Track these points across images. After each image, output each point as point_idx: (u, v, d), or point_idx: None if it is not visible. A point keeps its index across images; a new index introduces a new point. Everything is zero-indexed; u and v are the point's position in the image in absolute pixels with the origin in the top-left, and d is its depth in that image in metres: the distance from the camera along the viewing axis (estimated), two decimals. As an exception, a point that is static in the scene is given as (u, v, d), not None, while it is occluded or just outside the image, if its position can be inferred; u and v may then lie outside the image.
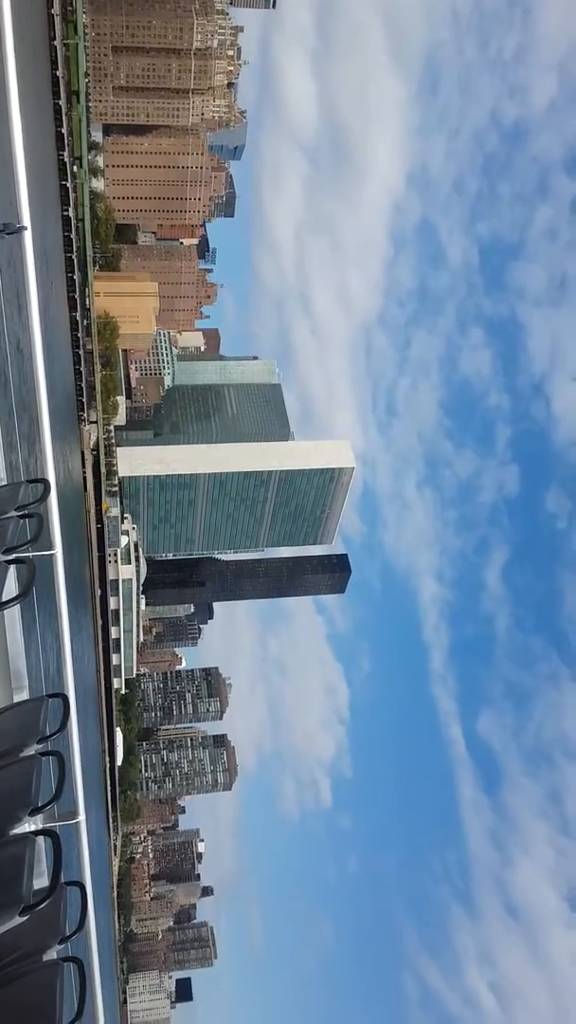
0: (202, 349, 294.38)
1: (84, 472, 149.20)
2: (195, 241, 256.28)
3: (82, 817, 11.33)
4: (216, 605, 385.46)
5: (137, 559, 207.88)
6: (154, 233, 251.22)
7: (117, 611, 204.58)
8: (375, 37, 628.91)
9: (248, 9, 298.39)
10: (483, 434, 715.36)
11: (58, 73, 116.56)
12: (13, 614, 10.55)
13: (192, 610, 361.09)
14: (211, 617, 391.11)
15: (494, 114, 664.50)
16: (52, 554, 10.97)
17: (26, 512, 10.06)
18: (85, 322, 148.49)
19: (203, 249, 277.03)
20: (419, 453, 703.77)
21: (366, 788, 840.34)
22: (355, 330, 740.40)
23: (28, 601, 9.99)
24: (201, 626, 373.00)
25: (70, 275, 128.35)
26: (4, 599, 9.24)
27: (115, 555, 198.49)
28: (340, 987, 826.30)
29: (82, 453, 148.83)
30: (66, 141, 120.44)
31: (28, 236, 11.28)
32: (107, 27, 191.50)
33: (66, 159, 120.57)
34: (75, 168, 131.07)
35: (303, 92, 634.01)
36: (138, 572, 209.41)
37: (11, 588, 9.62)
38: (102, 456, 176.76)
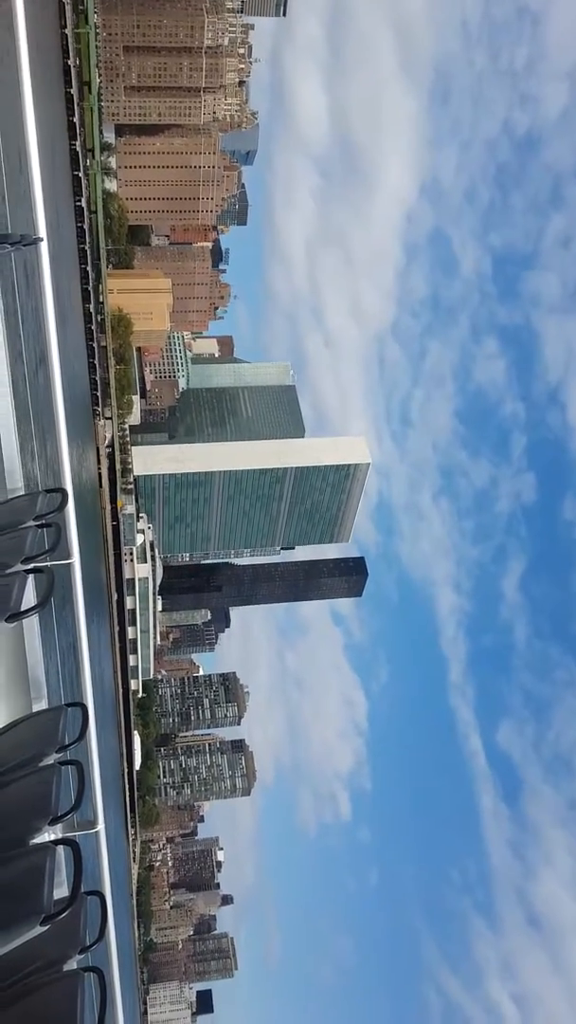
0: (216, 356, 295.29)
1: (99, 468, 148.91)
2: (208, 244, 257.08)
3: (101, 826, 11.31)
4: (233, 614, 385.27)
5: (153, 558, 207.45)
6: (167, 236, 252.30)
7: (134, 611, 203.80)
8: (385, 49, 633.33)
9: (258, 17, 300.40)
10: (499, 443, 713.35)
11: (69, 62, 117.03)
12: (32, 623, 10.61)
13: (209, 617, 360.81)
14: (228, 625, 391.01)
15: (506, 124, 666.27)
16: (70, 563, 11.07)
17: (44, 522, 10.18)
18: (99, 317, 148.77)
19: (216, 254, 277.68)
20: (434, 463, 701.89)
21: (385, 800, 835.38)
22: (369, 341, 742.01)
23: (46, 610, 9.86)
24: (219, 634, 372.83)
25: (83, 267, 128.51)
26: (23, 609, 9.15)
27: (131, 554, 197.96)
28: (360, 1000, 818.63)
29: (97, 449, 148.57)
30: (78, 131, 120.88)
31: (44, 248, 11.32)
32: (118, 27, 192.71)
33: (78, 149, 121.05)
34: (88, 161, 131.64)
35: (314, 104, 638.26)
36: (154, 571, 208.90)
37: (30, 598, 9.60)
38: (117, 452, 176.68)
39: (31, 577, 9.57)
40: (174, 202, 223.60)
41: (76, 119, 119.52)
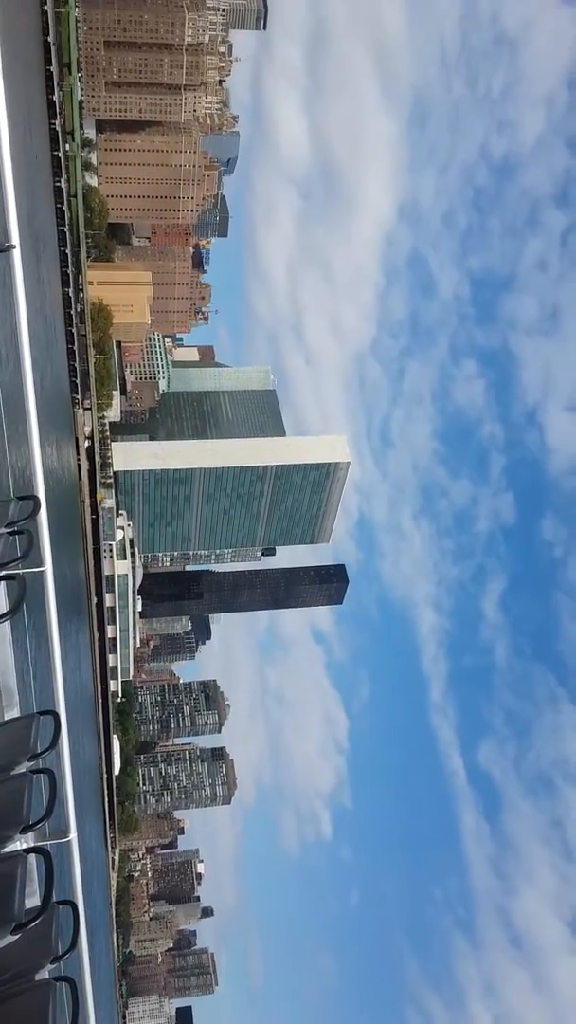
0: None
1: (78, 460, 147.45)
2: (189, 248, 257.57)
3: (74, 835, 11.22)
4: (213, 628, 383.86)
5: (133, 555, 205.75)
6: (148, 239, 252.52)
7: (113, 608, 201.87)
8: (365, 74, 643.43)
9: (239, 31, 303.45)
10: (478, 463, 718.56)
11: (49, 39, 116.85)
12: (3, 631, 10.47)
13: (190, 627, 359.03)
14: (208, 637, 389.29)
15: (483, 149, 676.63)
16: (42, 571, 10.95)
17: (16, 529, 10.09)
18: (79, 307, 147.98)
19: (196, 259, 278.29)
20: (414, 483, 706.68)
21: (366, 819, 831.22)
22: (349, 360, 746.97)
23: (18, 618, 9.85)
24: (199, 645, 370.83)
25: (63, 249, 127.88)
26: None
27: (110, 550, 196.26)
28: (343, 1019, 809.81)
29: (76, 440, 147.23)
30: (58, 110, 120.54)
31: (17, 255, 11.17)
32: (99, 22, 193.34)
33: (58, 128, 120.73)
34: (68, 145, 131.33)
35: (294, 128, 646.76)
36: (134, 569, 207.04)
37: (1, 605, 9.60)
38: (97, 444, 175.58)
39: (2, 584, 9.55)
40: (154, 200, 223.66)
41: (56, 98, 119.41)
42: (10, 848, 8.38)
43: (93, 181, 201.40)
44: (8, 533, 10.03)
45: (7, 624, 10.13)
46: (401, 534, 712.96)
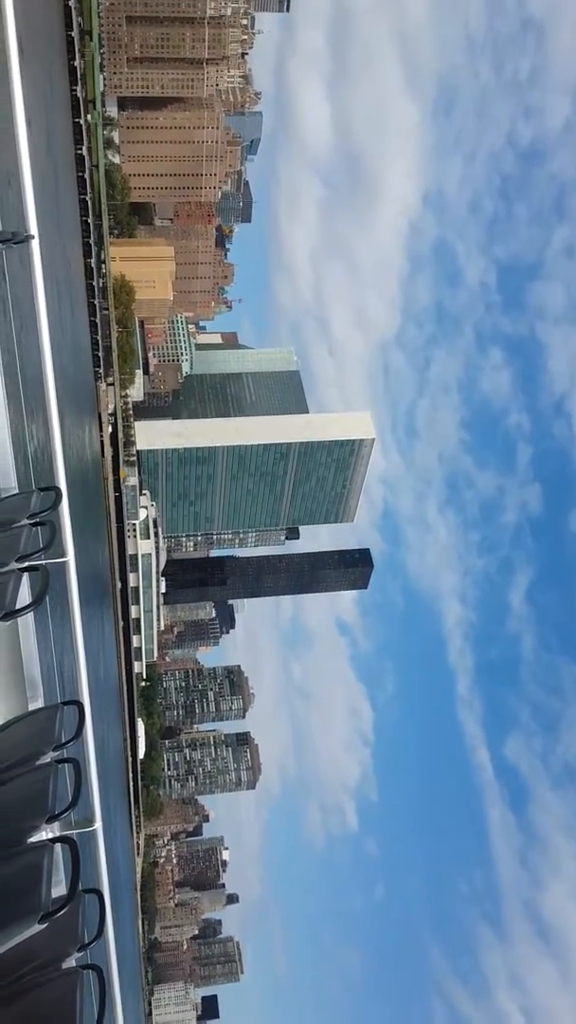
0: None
1: (101, 436, 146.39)
2: (212, 227, 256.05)
3: (99, 824, 11.34)
4: (238, 616, 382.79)
5: (157, 535, 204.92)
6: (170, 219, 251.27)
7: (137, 588, 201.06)
8: (389, 60, 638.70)
9: (262, 13, 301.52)
10: (505, 454, 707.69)
11: (70, 3, 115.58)
12: (27, 622, 10.65)
13: (214, 614, 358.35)
14: (232, 626, 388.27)
15: (510, 135, 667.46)
16: (65, 561, 11.09)
17: (38, 520, 10.25)
18: (101, 282, 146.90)
19: (220, 240, 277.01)
20: (440, 474, 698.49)
21: (392, 812, 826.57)
22: (373, 351, 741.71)
23: (42, 608, 10.09)
24: (223, 636, 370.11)
25: (84, 219, 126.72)
26: (17, 607, 9.16)
27: (134, 529, 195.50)
28: (368, 1010, 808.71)
29: (99, 415, 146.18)
30: (79, 75, 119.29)
31: (36, 245, 11.22)
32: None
33: (79, 96, 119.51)
34: (89, 115, 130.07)
35: (318, 116, 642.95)
36: (157, 549, 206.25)
37: (25, 596, 9.61)
38: (119, 420, 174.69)
39: (25, 576, 9.58)
40: (177, 178, 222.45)
41: (78, 65, 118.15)
42: (36, 838, 8.48)
43: (116, 159, 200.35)
44: (31, 524, 10.18)
45: (31, 615, 10.28)
46: (427, 526, 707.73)
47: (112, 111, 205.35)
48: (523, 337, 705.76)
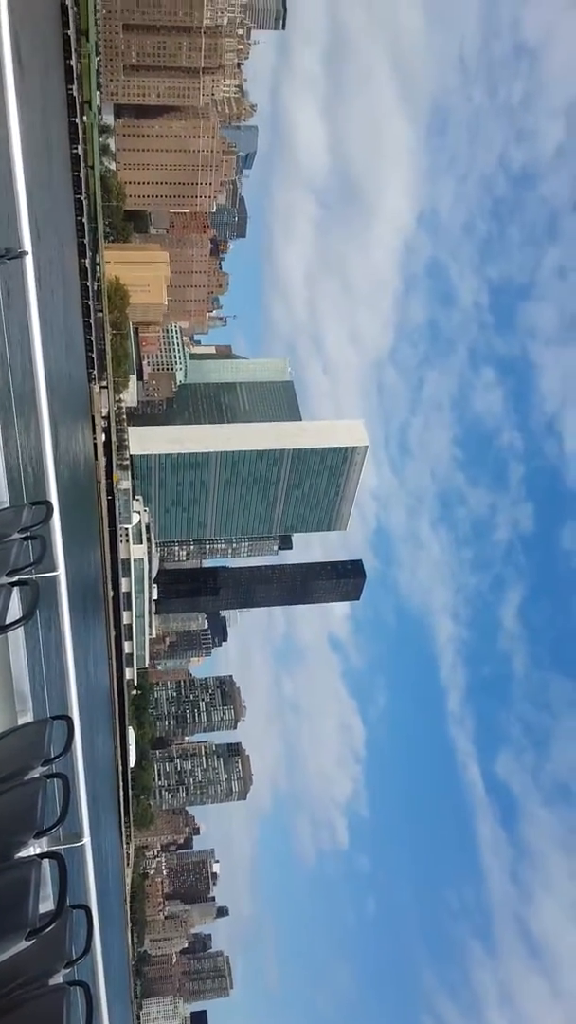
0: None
1: (94, 439, 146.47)
2: (207, 236, 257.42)
3: (87, 839, 11.32)
4: (231, 629, 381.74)
5: (149, 540, 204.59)
6: (166, 229, 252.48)
7: (129, 594, 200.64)
8: (384, 82, 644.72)
9: (258, 30, 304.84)
10: (497, 472, 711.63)
11: (67, 1, 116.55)
12: (17, 636, 10.60)
13: (206, 625, 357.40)
14: (225, 639, 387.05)
15: (502, 158, 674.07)
16: (55, 575, 11.18)
17: (29, 534, 10.29)
18: (96, 285, 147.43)
19: (215, 249, 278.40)
20: (432, 492, 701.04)
21: (383, 827, 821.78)
22: (367, 369, 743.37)
23: (32, 622, 9.89)
24: (214, 648, 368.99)
25: (79, 218, 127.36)
26: (7, 622, 9.22)
27: (126, 533, 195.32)
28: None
29: (92, 418, 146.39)
30: (75, 73, 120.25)
31: (29, 261, 11.32)
32: (118, 5, 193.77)
33: (75, 95, 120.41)
34: (85, 115, 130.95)
35: (313, 136, 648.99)
36: (150, 555, 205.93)
37: (15, 611, 9.67)
38: (112, 424, 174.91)
39: (16, 590, 9.61)
40: (172, 186, 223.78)
41: (73, 64, 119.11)
42: (24, 853, 8.47)
43: (112, 166, 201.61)
44: (22, 539, 10.16)
45: (21, 630, 10.19)
46: (419, 543, 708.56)
47: (108, 119, 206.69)
48: (515, 357, 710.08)
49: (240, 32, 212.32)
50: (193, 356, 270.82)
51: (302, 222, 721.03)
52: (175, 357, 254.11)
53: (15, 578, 9.58)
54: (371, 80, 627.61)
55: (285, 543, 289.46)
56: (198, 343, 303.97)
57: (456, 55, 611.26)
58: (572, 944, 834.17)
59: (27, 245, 11.18)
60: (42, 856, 8.34)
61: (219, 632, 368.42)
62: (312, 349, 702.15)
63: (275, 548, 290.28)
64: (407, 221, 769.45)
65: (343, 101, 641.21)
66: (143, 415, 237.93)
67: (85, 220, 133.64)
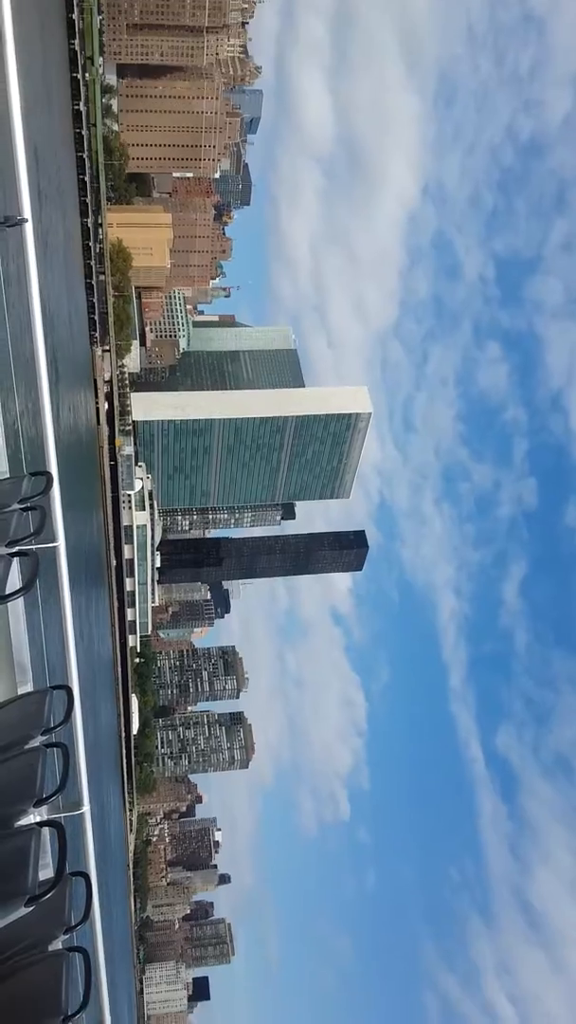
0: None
1: (97, 403, 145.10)
2: (211, 200, 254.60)
3: (87, 807, 11.44)
4: (233, 602, 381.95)
5: (152, 507, 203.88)
6: (169, 194, 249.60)
7: (131, 561, 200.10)
8: (390, 51, 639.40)
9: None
10: (501, 448, 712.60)
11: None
12: (17, 607, 10.74)
13: (208, 596, 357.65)
14: (228, 611, 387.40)
15: (510, 129, 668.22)
16: (55, 546, 11.17)
17: (29, 505, 10.30)
18: (98, 247, 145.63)
19: (218, 213, 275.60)
20: (436, 468, 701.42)
21: (384, 801, 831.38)
22: (372, 343, 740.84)
23: (32, 593, 10.01)
24: (217, 620, 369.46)
25: (81, 176, 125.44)
26: (7, 592, 9.28)
27: (129, 500, 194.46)
28: (359, 1002, 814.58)
29: (95, 381, 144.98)
30: (77, 29, 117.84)
31: (29, 229, 11.31)
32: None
33: (77, 49, 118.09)
34: (87, 71, 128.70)
35: (318, 106, 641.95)
36: (153, 522, 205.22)
37: (15, 581, 9.71)
38: (115, 388, 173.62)
39: (16, 560, 9.65)
40: (176, 148, 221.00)
41: (75, 18, 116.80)
42: (24, 822, 8.55)
43: (115, 127, 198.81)
44: (22, 509, 10.19)
45: (21, 600, 10.25)
46: (422, 519, 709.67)
47: (111, 79, 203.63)
48: (521, 331, 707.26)
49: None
50: (196, 324, 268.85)
51: (307, 192, 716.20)
52: (178, 324, 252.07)
53: (15, 549, 9.64)
54: (377, 49, 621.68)
55: (288, 513, 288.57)
56: (201, 313, 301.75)
57: (463, 24, 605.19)
58: (571, 917, 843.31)
59: (27, 212, 11.19)
60: (42, 824, 8.48)
61: (222, 603, 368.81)
62: (316, 322, 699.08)
63: (278, 518, 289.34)
64: (413, 193, 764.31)
65: (349, 70, 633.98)
66: (145, 382, 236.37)
67: (87, 179, 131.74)
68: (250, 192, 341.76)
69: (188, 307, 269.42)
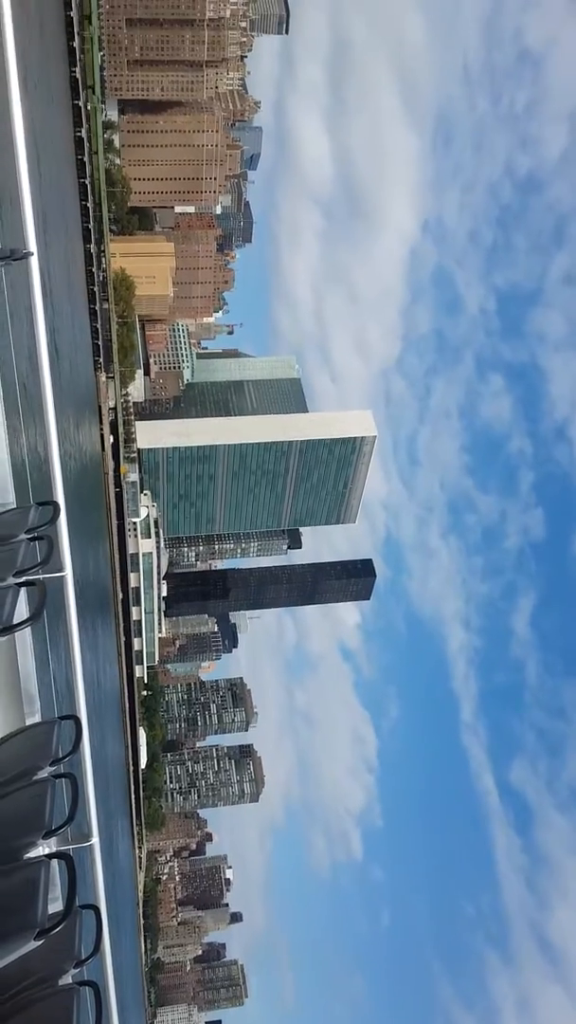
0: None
1: (101, 430, 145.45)
2: (213, 233, 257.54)
3: (96, 839, 11.34)
4: (241, 637, 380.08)
5: (158, 535, 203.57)
6: (171, 228, 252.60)
7: (138, 589, 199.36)
8: (388, 92, 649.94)
9: (263, 35, 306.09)
10: (506, 479, 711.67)
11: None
12: (25, 637, 10.71)
13: (216, 628, 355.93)
14: (236, 646, 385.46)
15: (507, 166, 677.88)
16: (63, 576, 11.17)
17: (36, 535, 10.32)
18: (101, 274, 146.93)
19: (221, 245, 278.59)
20: (442, 501, 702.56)
21: (397, 836, 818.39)
22: (374, 378, 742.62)
23: (40, 623, 10.10)
24: (224, 654, 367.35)
25: (84, 203, 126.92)
26: (15, 622, 9.24)
27: (135, 527, 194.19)
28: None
29: (99, 408, 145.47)
30: (78, 57, 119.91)
31: (35, 262, 11.33)
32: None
33: (78, 75, 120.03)
34: (88, 99, 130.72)
35: (317, 148, 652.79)
36: (159, 549, 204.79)
37: (22, 611, 9.67)
38: (119, 415, 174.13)
39: (23, 591, 9.60)
40: (177, 182, 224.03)
41: (76, 44, 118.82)
42: (33, 854, 8.47)
43: (117, 161, 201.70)
44: (29, 539, 10.21)
45: (28, 630, 10.32)
46: (429, 552, 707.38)
47: (113, 115, 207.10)
48: (524, 363, 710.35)
49: (243, 24, 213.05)
50: (200, 355, 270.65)
51: (307, 233, 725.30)
52: (182, 355, 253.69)
53: (22, 579, 9.59)
54: (374, 90, 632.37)
55: (295, 542, 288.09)
56: (205, 349, 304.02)
57: (459, 64, 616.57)
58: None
59: (33, 246, 11.17)
60: (51, 856, 8.31)
61: (229, 636, 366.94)
62: (320, 359, 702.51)
63: (284, 548, 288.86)
64: (413, 230, 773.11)
65: (347, 111, 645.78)
66: (150, 413, 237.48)
67: (90, 205, 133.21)
68: (252, 230, 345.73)
69: (192, 342, 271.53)
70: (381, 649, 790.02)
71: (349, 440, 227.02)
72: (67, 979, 8.58)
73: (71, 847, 10.39)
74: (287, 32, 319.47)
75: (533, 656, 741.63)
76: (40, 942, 7.41)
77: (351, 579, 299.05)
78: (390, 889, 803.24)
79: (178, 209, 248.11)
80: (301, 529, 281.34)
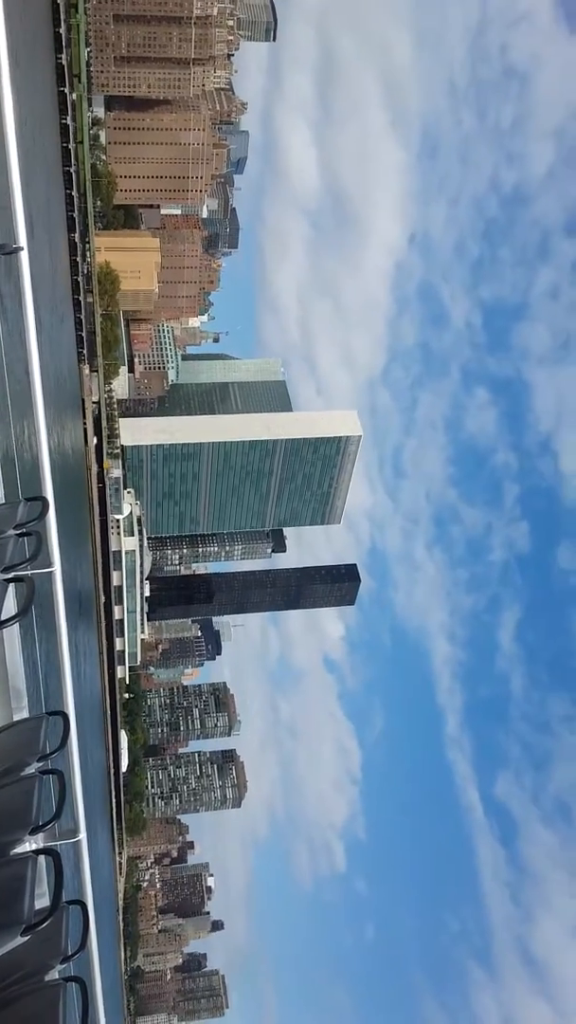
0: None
1: (84, 424, 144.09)
2: (200, 234, 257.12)
3: (83, 835, 11.33)
4: (224, 644, 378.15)
5: (141, 533, 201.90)
6: (157, 229, 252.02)
7: (120, 588, 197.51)
8: (374, 106, 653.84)
9: (250, 43, 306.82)
10: (491, 492, 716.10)
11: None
12: (12, 633, 10.68)
13: (199, 633, 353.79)
14: (219, 653, 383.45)
15: (493, 180, 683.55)
16: (51, 571, 11.17)
17: (25, 530, 10.28)
18: (86, 268, 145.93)
19: (207, 244, 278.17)
20: (427, 513, 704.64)
21: (381, 849, 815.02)
22: (360, 390, 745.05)
23: (27, 618, 10.09)
24: (208, 661, 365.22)
25: (68, 191, 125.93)
26: (3, 618, 9.30)
27: (118, 525, 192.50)
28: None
29: (83, 401, 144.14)
30: (65, 56, 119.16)
31: (24, 257, 11.32)
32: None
33: (64, 64, 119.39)
34: (74, 89, 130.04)
35: (304, 159, 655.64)
36: (142, 548, 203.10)
37: (10, 607, 9.71)
38: (103, 409, 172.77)
39: (11, 586, 9.61)
40: (163, 180, 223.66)
41: (62, 32, 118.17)
42: (19, 849, 8.49)
43: (103, 158, 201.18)
44: (17, 535, 10.15)
45: (16, 626, 10.28)
46: (414, 564, 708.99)
47: (99, 112, 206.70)
48: (509, 377, 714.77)
49: (230, 23, 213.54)
50: (185, 357, 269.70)
51: (294, 243, 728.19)
52: (167, 356, 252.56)
53: (11, 574, 9.58)
54: (362, 102, 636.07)
55: (279, 546, 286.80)
56: (189, 355, 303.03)
57: (446, 79, 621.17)
58: (574, 965, 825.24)
59: (23, 241, 11.05)
60: (38, 852, 8.33)
61: (213, 641, 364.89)
62: (305, 370, 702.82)
63: (268, 551, 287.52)
64: (399, 243, 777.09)
65: (334, 122, 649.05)
66: (134, 412, 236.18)
67: (75, 195, 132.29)
68: (238, 235, 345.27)
69: (178, 347, 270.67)
70: (365, 661, 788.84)
71: (334, 439, 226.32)
72: (54, 975, 8.59)
73: (58, 843, 10.33)
74: (275, 39, 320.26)
75: (518, 669, 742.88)
76: (27, 938, 7.53)
77: (336, 584, 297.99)
78: (374, 902, 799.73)
79: (164, 210, 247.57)
80: (285, 536, 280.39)
